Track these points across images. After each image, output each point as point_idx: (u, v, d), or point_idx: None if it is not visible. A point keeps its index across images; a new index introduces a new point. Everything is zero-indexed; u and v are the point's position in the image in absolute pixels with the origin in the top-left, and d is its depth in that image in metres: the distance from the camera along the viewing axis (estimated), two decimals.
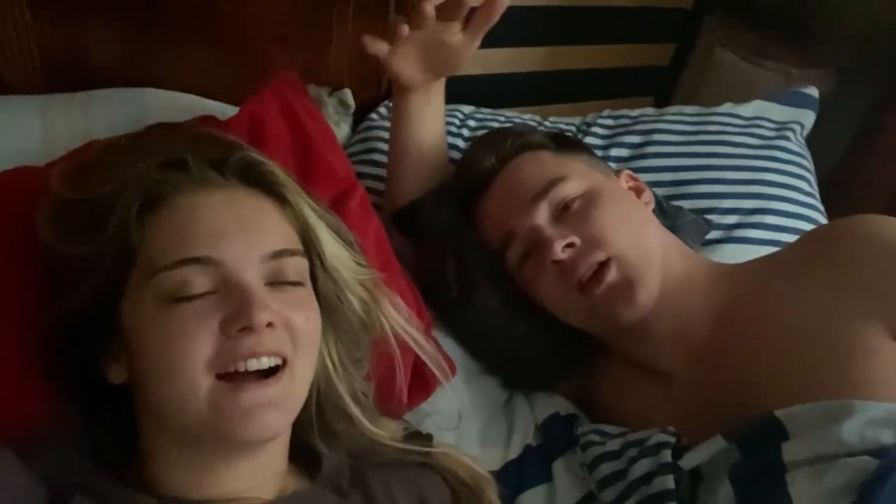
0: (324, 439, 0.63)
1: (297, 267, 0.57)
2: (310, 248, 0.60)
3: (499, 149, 0.89)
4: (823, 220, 1.12)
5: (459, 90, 1.33)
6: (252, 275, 0.53)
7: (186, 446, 0.55)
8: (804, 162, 1.18)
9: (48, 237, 0.56)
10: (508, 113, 1.24)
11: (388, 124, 1.14)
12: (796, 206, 1.10)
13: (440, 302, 0.89)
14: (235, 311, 0.51)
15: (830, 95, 1.50)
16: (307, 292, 0.58)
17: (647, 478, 0.69)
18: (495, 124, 1.17)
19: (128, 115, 0.90)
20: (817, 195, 1.16)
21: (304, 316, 0.55)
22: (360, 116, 1.20)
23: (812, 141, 1.25)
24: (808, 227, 1.08)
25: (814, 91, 1.27)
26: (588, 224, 0.79)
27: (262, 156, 0.60)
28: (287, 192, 0.59)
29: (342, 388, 0.62)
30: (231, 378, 0.51)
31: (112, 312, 0.54)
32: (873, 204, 0.85)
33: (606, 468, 0.74)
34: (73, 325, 0.55)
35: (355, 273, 0.63)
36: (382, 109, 1.19)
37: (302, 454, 0.62)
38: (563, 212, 0.82)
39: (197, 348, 0.50)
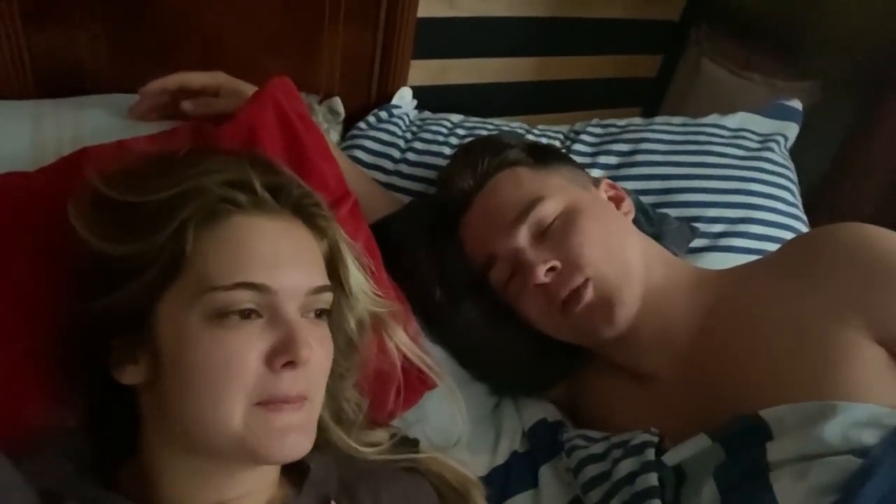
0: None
1: (328, 300, 0.59)
2: (335, 276, 0.62)
3: (475, 168, 0.89)
4: (806, 230, 1.13)
5: (449, 99, 1.35)
6: (296, 307, 0.55)
7: (192, 457, 0.55)
8: (788, 173, 1.19)
9: (90, 235, 0.55)
10: (497, 122, 1.25)
11: (373, 133, 1.16)
12: (780, 216, 1.12)
13: (424, 311, 0.89)
14: (282, 343, 0.53)
15: (815, 108, 1.52)
16: (326, 325, 0.60)
17: (631, 477, 0.70)
18: (483, 132, 1.18)
19: (118, 122, 0.90)
20: (800, 206, 1.18)
21: (326, 352, 0.58)
22: (349, 124, 1.20)
23: (797, 152, 1.27)
24: (791, 236, 1.09)
25: (797, 104, 1.29)
26: (567, 245, 0.81)
27: (311, 188, 0.62)
28: (328, 230, 0.62)
29: (324, 412, 0.63)
30: (263, 403, 0.53)
31: (145, 314, 0.54)
32: (857, 215, 0.85)
33: (591, 470, 0.75)
34: (101, 323, 0.55)
35: (372, 303, 0.66)
36: (371, 118, 1.20)
37: (290, 463, 0.62)
38: (542, 232, 0.83)
39: (242, 376, 0.52)
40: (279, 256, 0.55)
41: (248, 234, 0.55)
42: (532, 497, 0.80)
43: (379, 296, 0.68)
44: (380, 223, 0.94)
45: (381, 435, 0.69)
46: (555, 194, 0.85)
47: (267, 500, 0.59)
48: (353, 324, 0.65)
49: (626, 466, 0.71)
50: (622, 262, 0.81)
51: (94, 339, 0.56)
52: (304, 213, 0.61)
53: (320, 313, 0.58)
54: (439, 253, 0.91)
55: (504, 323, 0.87)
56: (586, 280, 0.79)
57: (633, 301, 0.80)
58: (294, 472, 0.62)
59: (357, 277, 0.64)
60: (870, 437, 0.60)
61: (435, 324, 0.89)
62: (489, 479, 0.79)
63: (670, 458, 0.70)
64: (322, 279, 0.59)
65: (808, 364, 0.68)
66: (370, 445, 0.67)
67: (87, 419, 0.58)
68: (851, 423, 0.61)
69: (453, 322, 0.88)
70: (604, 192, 0.92)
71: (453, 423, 0.82)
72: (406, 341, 0.74)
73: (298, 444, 0.54)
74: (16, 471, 0.50)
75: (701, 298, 0.81)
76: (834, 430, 0.61)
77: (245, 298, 0.53)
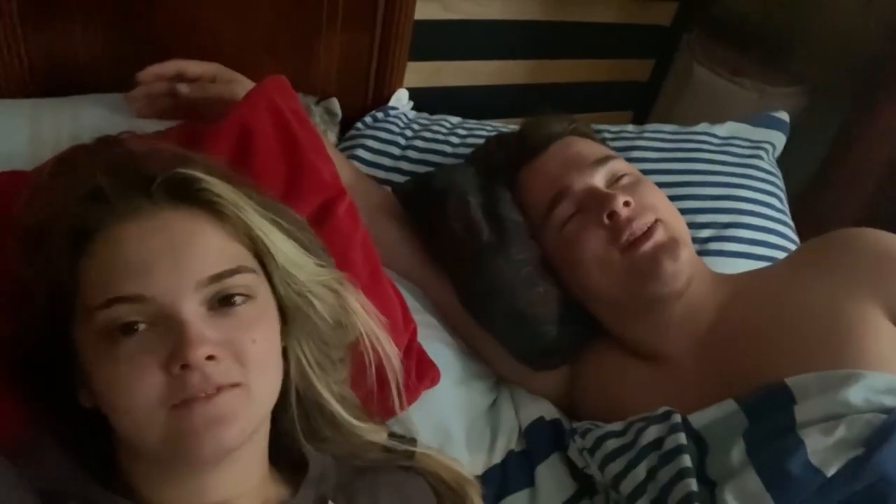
0: (310, 442, 0.63)
1: (244, 282, 0.54)
2: (262, 255, 0.58)
3: (559, 123, 0.97)
4: (794, 235, 1.16)
5: (446, 101, 1.36)
6: (188, 305, 0.51)
7: (155, 463, 0.55)
8: (776, 180, 1.22)
9: (10, 252, 0.55)
10: (495, 123, 1.26)
11: (371, 132, 1.17)
12: (768, 221, 1.14)
13: (465, 253, 0.90)
14: (173, 348, 0.49)
15: (804, 113, 1.54)
16: (257, 307, 0.55)
17: (658, 442, 0.72)
18: (483, 133, 1.19)
19: (116, 121, 0.91)
20: (787, 212, 1.20)
21: (251, 338, 0.53)
22: (346, 125, 1.21)
23: (785, 156, 1.29)
24: (779, 240, 1.13)
25: (785, 116, 1.32)
26: (639, 193, 0.86)
27: (196, 169, 0.56)
28: (225, 206, 0.55)
29: (321, 386, 0.62)
30: (184, 404, 0.50)
31: (69, 339, 0.53)
32: (843, 220, 0.88)
33: (612, 444, 0.77)
34: (35, 347, 0.54)
35: (314, 275, 0.61)
36: (368, 119, 1.20)
37: (289, 458, 0.62)
38: (614, 183, 0.89)
39: (145, 388, 0.49)
40: (151, 260, 0.51)
41: (113, 247, 0.52)
42: (528, 496, 0.80)
43: (321, 265, 0.62)
44: (423, 176, 0.99)
45: (377, 430, 0.69)
46: (622, 160, 0.93)
47: (262, 499, 0.59)
48: (318, 305, 0.60)
49: (652, 433, 0.73)
50: (681, 224, 0.88)
51: (45, 361, 0.55)
52: (193, 198, 0.55)
53: (237, 299, 0.53)
54: (491, 197, 0.93)
55: (540, 278, 0.89)
56: (657, 220, 0.84)
57: (692, 250, 0.85)
58: (291, 471, 0.62)
59: (285, 251, 0.58)
60: (890, 401, 0.65)
61: (476, 262, 0.89)
62: (486, 478, 0.80)
63: (697, 419, 0.72)
64: (224, 263, 0.53)
65: (826, 341, 0.72)
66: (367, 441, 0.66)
67: (72, 429, 0.58)
68: (872, 389, 0.65)
69: (493, 265, 0.88)
70: None
71: (450, 421, 0.83)
72: (369, 323, 0.68)
73: (222, 440, 0.50)
74: (16, 471, 0.50)
75: (721, 292, 0.85)
76: (857, 394, 0.65)
77: (124, 312, 0.50)
